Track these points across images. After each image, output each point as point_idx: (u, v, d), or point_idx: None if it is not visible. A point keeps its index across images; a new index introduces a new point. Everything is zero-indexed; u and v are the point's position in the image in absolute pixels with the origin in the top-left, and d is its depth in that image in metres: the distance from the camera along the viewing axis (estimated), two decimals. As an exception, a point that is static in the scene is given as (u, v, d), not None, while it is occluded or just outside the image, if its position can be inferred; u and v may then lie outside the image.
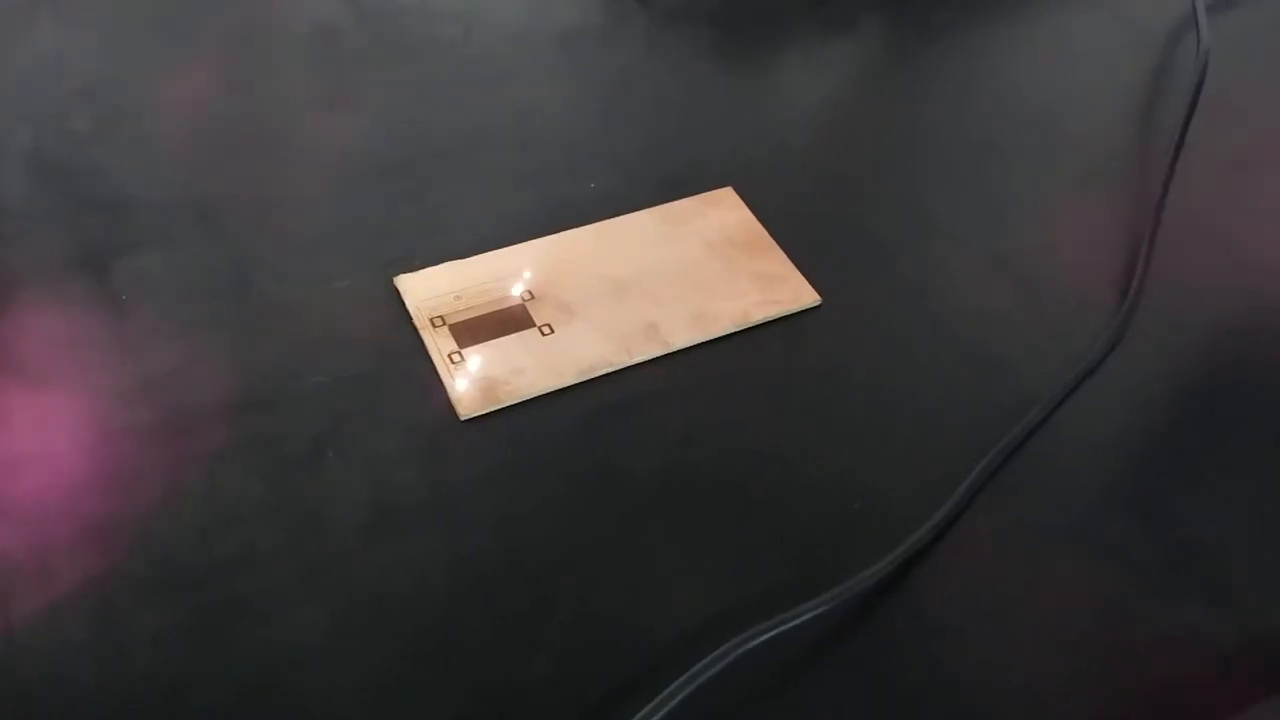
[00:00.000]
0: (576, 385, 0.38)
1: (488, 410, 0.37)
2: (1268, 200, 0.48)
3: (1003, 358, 0.40)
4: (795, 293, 0.41)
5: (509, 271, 0.41)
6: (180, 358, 0.38)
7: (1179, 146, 0.47)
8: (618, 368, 0.39)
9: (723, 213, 0.44)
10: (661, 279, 0.41)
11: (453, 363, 0.38)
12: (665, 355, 0.39)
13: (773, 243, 0.43)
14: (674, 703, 0.29)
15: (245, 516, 0.34)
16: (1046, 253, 0.44)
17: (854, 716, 0.31)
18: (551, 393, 0.38)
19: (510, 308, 0.40)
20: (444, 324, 0.39)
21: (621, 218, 0.43)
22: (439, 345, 0.39)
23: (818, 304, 0.41)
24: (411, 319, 0.39)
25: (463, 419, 0.37)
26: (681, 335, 0.40)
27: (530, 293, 0.40)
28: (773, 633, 0.31)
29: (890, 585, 0.34)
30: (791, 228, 0.43)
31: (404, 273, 0.41)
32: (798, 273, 0.42)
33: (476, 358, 0.38)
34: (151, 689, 0.30)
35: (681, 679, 0.30)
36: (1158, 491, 0.37)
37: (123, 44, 0.48)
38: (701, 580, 0.34)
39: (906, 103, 0.50)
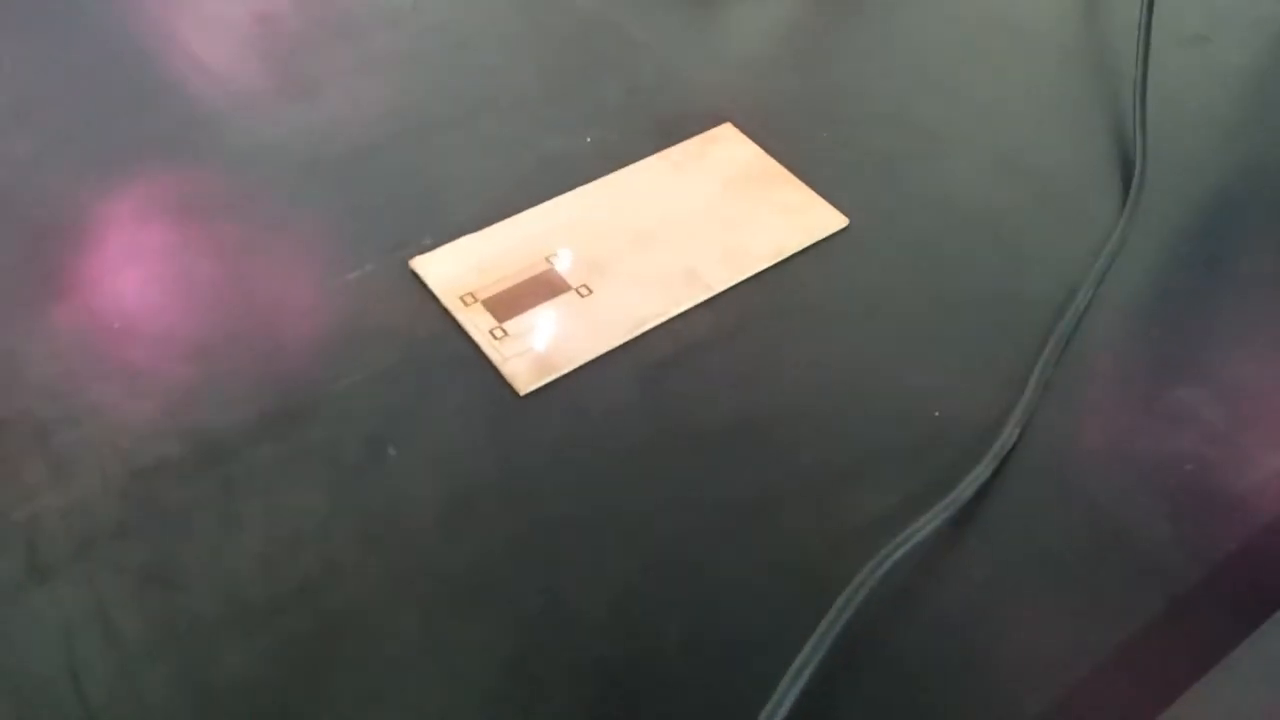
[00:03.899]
0: (628, 343, 0.37)
1: (545, 382, 0.35)
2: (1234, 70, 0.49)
3: (1030, 250, 0.40)
4: (822, 218, 0.40)
5: (528, 237, 0.39)
6: (200, 378, 0.35)
7: (1147, 26, 0.48)
8: (666, 318, 0.37)
9: (728, 149, 0.42)
10: (686, 223, 0.40)
11: (495, 338, 0.36)
12: (709, 299, 0.38)
13: (786, 172, 0.42)
14: (833, 635, 0.28)
15: (313, 535, 0.32)
16: (1045, 146, 0.44)
17: (990, 619, 0.31)
18: (605, 354, 0.36)
19: (541, 274, 0.38)
20: (475, 301, 0.37)
21: (628, 168, 0.42)
22: (477, 323, 0.37)
23: (846, 226, 0.40)
24: (438, 301, 0.37)
25: (521, 394, 0.35)
26: (721, 276, 0.38)
27: (555, 256, 0.39)
28: (901, 551, 0.31)
29: (987, 488, 0.34)
30: (798, 155, 0.42)
31: (417, 255, 0.38)
32: (819, 198, 0.41)
33: (521, 330, 0.36)
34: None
35: (831, 612, 0.29)
36: (1208, 355, 0.38)
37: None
38: (802, 512, 0.33)
39: (872, 19, 0.50)
